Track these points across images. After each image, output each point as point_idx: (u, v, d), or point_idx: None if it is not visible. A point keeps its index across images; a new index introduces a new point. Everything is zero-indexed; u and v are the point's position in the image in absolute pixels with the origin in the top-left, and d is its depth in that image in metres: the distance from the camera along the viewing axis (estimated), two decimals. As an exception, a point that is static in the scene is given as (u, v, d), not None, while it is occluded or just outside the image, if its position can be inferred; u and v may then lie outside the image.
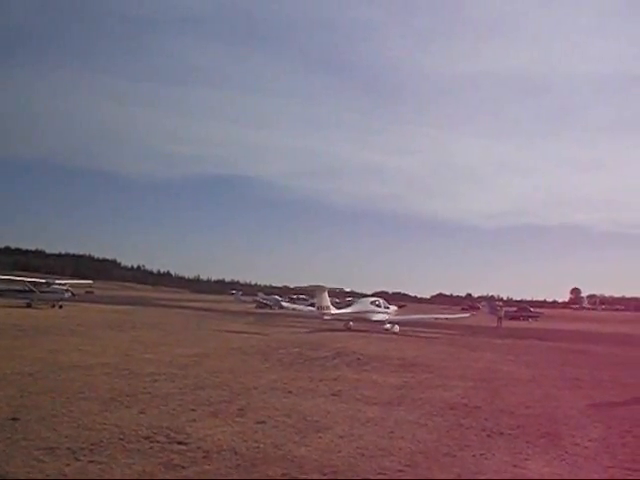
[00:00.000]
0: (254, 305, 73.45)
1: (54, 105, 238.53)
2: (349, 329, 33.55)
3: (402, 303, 55.50)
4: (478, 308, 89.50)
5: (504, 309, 57.99)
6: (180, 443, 7.66)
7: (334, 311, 33.73)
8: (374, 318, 34.54)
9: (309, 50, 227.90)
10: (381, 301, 37.13)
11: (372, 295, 54.32)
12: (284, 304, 54.29)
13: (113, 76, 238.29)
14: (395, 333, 32.16)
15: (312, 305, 37.34)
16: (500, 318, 48.38)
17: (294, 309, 46.78)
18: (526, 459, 7.67)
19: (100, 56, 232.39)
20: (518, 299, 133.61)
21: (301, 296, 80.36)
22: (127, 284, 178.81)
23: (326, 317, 33.14)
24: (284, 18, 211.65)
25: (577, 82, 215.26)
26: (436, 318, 43.73)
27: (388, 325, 33.39)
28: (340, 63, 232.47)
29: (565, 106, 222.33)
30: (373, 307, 35.56)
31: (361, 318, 34.59)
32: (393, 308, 37.75)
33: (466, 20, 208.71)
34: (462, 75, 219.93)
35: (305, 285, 38.48)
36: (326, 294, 33.45)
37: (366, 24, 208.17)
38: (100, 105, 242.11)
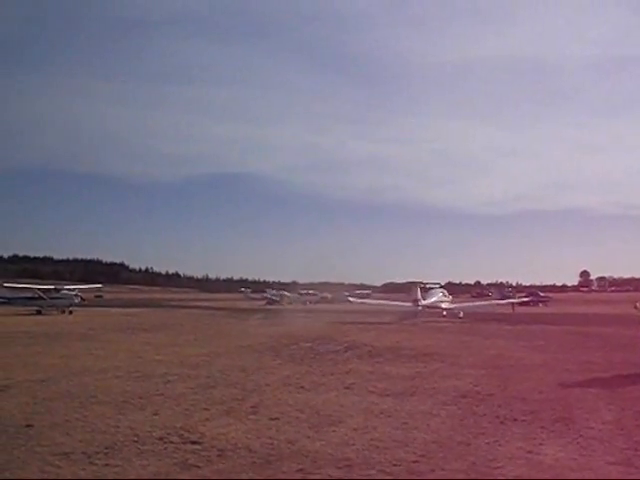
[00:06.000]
0: (264, 302, 73.58)
1: (55, 111, 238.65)
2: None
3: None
4: (488, 295, 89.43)
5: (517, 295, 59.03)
6: (194, 443, 7.68)
7: (423, 302, 38.99)
8: (443, 306, 40.54)
9: (306, 45, 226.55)
10: (445, 292, 43.43)
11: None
12: (351, 299, 55.87)
13: (112, 79, 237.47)
14: (460, 318, 38.32)
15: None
16: (514, 304, 49.17)
17: (363, 303, 51.18)
18: (540, 444, 7.64)
19: (98, 60, 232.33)
20: (527, 284, 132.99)
21: (310, 291, 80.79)
22: (136, 286, 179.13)
23: (419, 307, 38.39)
24: (281, 13, 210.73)
25: (574, 65, 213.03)
26: (489, 304, 50.04)
27: (445, 313, 39.45)
28: (338, 56, 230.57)
29: (562, 89, 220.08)
30: (443, 297, 41.68)
31: (436, 307, 40.03)
32: (450, 297, 43.89)
33: (462, 6, 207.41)
34: (459, 62, 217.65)
35: (403, 282, 45.83)
36: (419, 289, 39.34)
37: (362, 15, 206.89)
38: (101, 109, 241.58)
